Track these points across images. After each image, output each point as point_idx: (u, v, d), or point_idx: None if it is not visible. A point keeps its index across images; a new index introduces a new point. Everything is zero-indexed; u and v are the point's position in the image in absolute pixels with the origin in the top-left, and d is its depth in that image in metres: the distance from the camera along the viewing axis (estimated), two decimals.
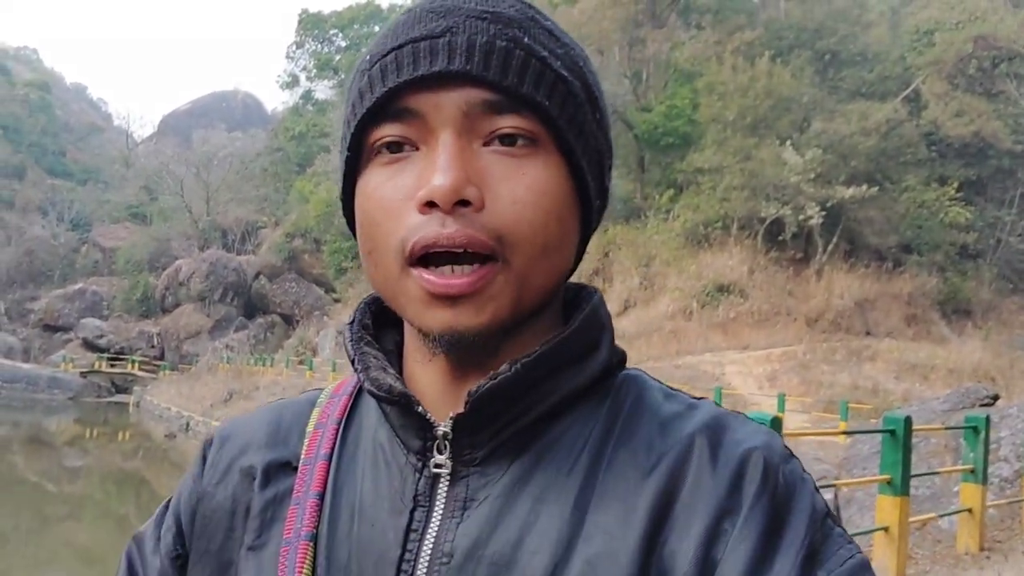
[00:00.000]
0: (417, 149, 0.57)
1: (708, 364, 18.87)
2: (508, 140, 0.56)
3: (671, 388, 0.64)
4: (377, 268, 0.58)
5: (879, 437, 6.17)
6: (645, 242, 26.11)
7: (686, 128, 27.76)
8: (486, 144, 0.56)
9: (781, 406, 13.75)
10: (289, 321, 39.55)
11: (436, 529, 0.58)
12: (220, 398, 27.26)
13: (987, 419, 6.62)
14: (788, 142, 24.67)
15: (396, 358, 0.64)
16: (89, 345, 41.18)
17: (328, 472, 0.63)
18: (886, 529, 5.46)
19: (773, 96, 25.99)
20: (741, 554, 0.53)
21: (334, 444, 0.65)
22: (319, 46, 51.25)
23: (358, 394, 0.68)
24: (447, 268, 0.55)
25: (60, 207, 55.86)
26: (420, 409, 0.58)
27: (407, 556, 0.58)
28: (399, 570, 0.57)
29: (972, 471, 6.37)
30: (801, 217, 24.10)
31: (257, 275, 41.59)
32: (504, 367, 0.57)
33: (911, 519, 5.76)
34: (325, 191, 38.52)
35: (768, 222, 24.76)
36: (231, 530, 0.65)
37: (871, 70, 29.33)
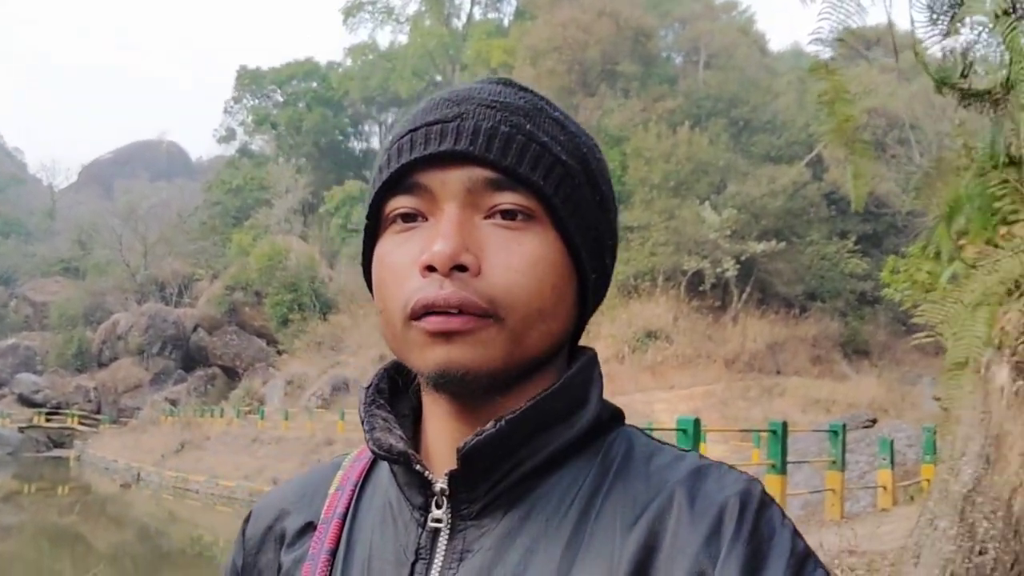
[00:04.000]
0: (426, 220, 0.62)
1: (639, 403, 20.77)
2: (508, 215, 0.61)
3: (661, 442, 0.67)
4: (387, 324, 0.63)
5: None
6: None
7: (617, 188, 29.70)
8: (487, 217, 0.61)
9: (696, 431, 15.74)
10: (230, 373, 39.99)
11: None
12: (171, 449, 27.77)
13: (843, 425, 8.96)
14: (707, 202, 27.30)
15: (411, 421, 0.69)
16: (25, 400, 40.76)
17: (342, 530, 0.68)
18: None
19: (693, 161, 28.68)
20: None
21: (349, 504, 0.70)
22: (257, 101, 52.40)
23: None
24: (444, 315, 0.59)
25: None
26: (418, 467, 0.62)
27: None
28: None
29: (834, 462, 8.59)
30: (719, 270, 26.62)
31: (196, 328, 41.98)
32: (490, 424, 0.60)
33: (790, 493, 7.96)
34: (267, 244, 39.50)
35: (690, 274, 27.20)
36: None
37: (779, 136, 32.30)
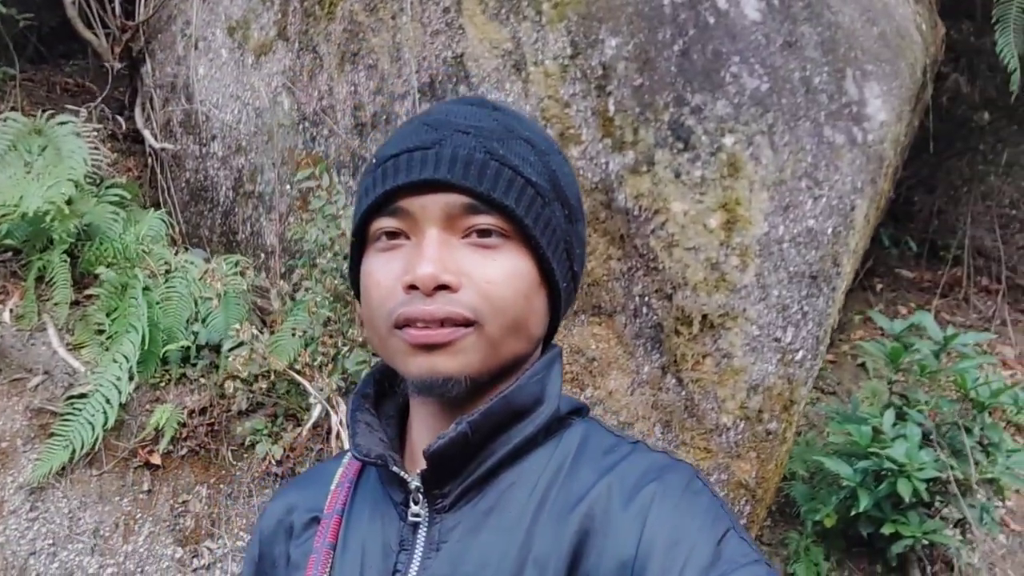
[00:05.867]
0: (408, 239, 0.68)
1: None
2: (484, 234, 0.67)
3: (616, 434, 0.73)
4: (372, 331, 0.70)
5: None
6: None
7: None
8: (465, 236, 0.67)
9: None
10: None
11: (416, 569, 0.67)
12: None
13: None
14: None
15: (397, 421, 0.77)
16: None
17: (340, 524, 0.75)
18: None
19: None
20: (654, 569, 0.60)
21: (347, 500, 0.77)
22: None
23: None
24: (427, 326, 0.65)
25: None
26: (395, 468, 0.69)
27: None
28: None
29: None
30: None
31: None
32: (451, 427, 0.66)
33: None
34: None
35: None
36: None
37: None
